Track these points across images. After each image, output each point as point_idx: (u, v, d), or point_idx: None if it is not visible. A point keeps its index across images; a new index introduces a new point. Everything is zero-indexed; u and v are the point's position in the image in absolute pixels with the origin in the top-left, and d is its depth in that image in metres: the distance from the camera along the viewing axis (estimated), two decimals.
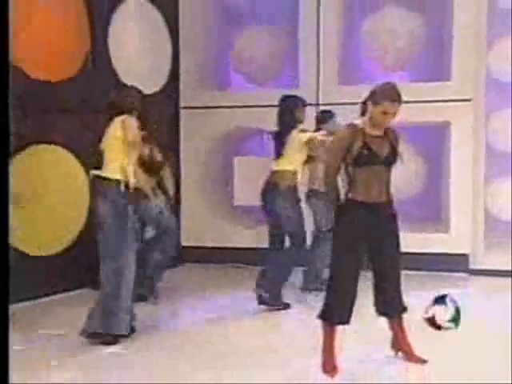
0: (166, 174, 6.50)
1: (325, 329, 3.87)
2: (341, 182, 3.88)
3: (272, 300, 5.38)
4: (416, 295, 5.02)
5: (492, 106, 7.14)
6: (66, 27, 6.22)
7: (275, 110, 5.59)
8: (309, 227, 6.15)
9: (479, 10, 6.94)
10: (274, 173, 5.45)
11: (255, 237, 7.21)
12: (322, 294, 5.26)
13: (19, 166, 5.64)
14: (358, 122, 3.81)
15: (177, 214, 7.91)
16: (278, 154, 5.44)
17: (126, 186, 4.44)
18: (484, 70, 7.01)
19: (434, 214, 7.72)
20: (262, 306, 5.40)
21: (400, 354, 4.04)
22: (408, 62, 7.54)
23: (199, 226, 7.88)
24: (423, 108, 6.93)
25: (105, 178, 4.45)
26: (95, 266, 4.58)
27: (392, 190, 3.91)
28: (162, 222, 5.67)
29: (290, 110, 5.44)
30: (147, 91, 7.30)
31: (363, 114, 3.84)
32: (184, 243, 7.96)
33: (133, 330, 4.63)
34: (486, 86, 7.01)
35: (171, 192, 7.08)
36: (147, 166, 5.36)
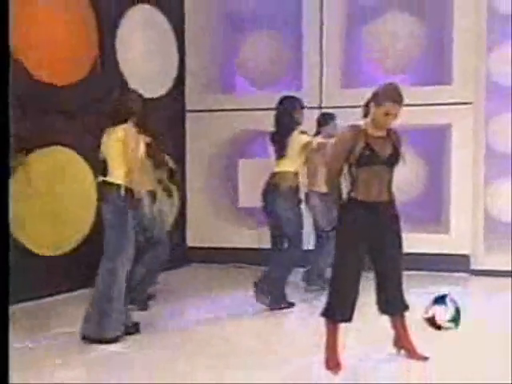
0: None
1: (328, 327, 3.86)
2: (343, 181, 3.87)
3: (273, 303, 5.33)
4: (417, 295, 5.01)
5: (492, 109, 7.13)
6: (76, 33, 6.25)
7: None
8: (310, 228, 6.18)
9: (479, 14, 6.93)
10: (275, 174, 5.39)
11: (258, 238, 7.20)
12: (324, 294, 5.31)
13: (29, 168, 5.67)
14: (361, 123, 3.80)
15: (182, 215, 7.96)
16: (279, 156, 5.38)
17: (128, 191, 4.45)
18: (484, 74, 7.01)
19: (435, 214, 7.70)
20: (264, 306, 5.37)
21: (402, 351, 4.03)
22: (409, 65, 7.54)
23: (204, 226, 7.89)
24: (425, 111, 6.93)
25: (108, 183, 4.51)
26: None
27: (394, 191, 3.90)
28: (154, 232, 5.48)
29: (288, 112, 5.36)
30: (154, 95, 7.39)
31: (366, 115, 3.84)
32: (189, 244, 7.99)
33: (137, 329, 4.65)
34: (486, 89, 7.01)
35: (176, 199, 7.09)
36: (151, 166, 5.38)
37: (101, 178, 4.59)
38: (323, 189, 5.88)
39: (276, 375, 3.79)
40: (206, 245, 7.83)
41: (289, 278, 5.55)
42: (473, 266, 7.03)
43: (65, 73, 6.08)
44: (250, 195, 7.50)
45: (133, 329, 4.64)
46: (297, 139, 5.32)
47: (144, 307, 5.38)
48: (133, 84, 6.94)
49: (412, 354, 3.97)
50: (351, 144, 3.70)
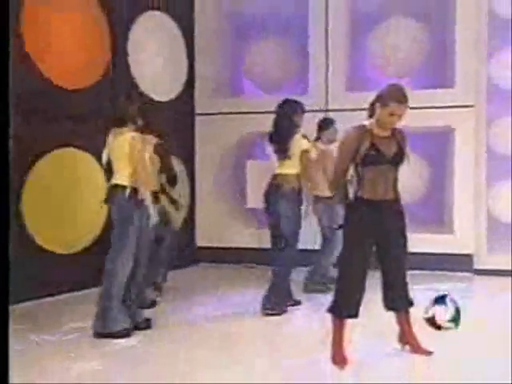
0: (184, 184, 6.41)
1: (334, 322, 3.88)
2: (349, 181, 3.89)
3: (278, 308, 5.21)
4: (421, 292, 5.02)
5: (493, 111, 7.15)
6: (90, 39, 6.33)
7: None
8: (316, 228, 6.20)
9: (481, 20, 6.96)
10: (277, 175, 5.31)
11: (266, 237, 7.21)
12: (329, 292, 5.33)
13: (44, 170, 5.73)
14: (366, 123, 3.82)
15: (191, 216, 8.00)
16: (282, 157, 5.29)
17: (133, 191, 4.47)
18: (485, 77, 7.02)
19: (439, 215, 7.70)
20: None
21: (407, 346, 4.04)
22: (413, 69, 7.56)
23: (213, 227, 7.93)
24: (428, 114, 6.94)
25: (114, 185, 4.54)
26: None
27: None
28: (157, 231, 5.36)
29: (288, 115, 5.28)
30: (164, 98, 7.46)
31: (371, 116, 3.86)
32: (198, 243, 8.03)
33: (149, 325, 4.71)
34: (488, 92, 7.02)
35: (183, 201, 7.05)
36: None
37: (111, 182, 4.60)
38: (325, 193, 5.95)
39: (287, 367, 3.82)
40: (215, 245, 7.87)
41: (293, 278, 5.53)
42: (476, 266, 7.04)
43: (79, 77, 6.15)
44: (258, 196, 7.51)
45: (144, 324, 4.69)
46: (298, 143, 5.24)
47: (150, 305, 5.38)
48: (144, 88, 7.02)
49: (416, 349, 3.98)
50: (357, 144, 3.72)
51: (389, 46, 7.39)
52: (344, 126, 6.00)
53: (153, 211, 4.74)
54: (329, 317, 3.92)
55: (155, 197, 5.20)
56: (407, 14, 7.48)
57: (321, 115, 6.72)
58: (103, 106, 6.21)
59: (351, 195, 3.86)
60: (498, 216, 7.36)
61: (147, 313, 4.94)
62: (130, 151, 4.46)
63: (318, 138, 6.16)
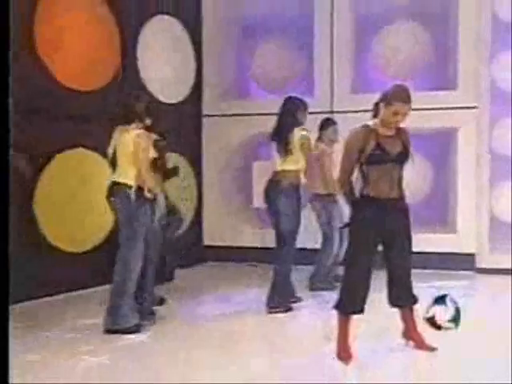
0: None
1: (340, 319, 3.88)
2: (355, 179, 3.89)
3: (282, 305, 5.20)
4: (424, 291, 5.01)
5: (496, 113, 7.13)
6: (100, 42, 6.35)
7: None
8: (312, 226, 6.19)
9: (483, 22, 6.94)
10: (277, 172, 5.25)
11: (271, 237, 7.22)
12: (330, 291, 5.33)
13: (54, 170, 5.76)
14: (371, 123, 3.82)
15: (199, 215, 8.02)
16: (282, 154, 5.22)
17: (139, 190, 4.46)
18: (488, 79, 7.01)
19: (442, 215, 7.69)
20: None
21: (410, 342, 4.04)
22: (416, 72, 7.55)
23: (220, 226, 7.94)
24: (431, 115, 6.93)
25: (117, 183, 4.51)
26: None
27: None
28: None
29: (291, 112, 5.24)
30: (172, 100, 7.48)
31: (375, 115, 3.86)
32: (205, 242, 8.04)
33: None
34: (491, 94, 7.01)
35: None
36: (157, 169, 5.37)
37: (112, 178, 4.56)
38: (323, 190, 5.96)
39: (293, 363, 3.82)
40: (222, 244, 7.88)
41: (297, 277, 5.54)
42: (478, 265, 7.02)
43: (89, 79, 6.18)
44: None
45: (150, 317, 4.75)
46: (297, 135, 5.17)
47: (159, 302, 5.39)
48: (153, 90, 7.05)
49: (420, 344, 3.98)
50: (363, 143, 3.72)
51: (393, 49, 7.38)
52: (349, 127, 6.00)
53: (158, 208, 4.75)
54: (333, 315, 3.92)
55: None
56: (411, 17, 7.48)
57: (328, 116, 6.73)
58: (113, 108, 6.23)
59: (357, 194, 3.86)
60: (500, 216, 7.34)
61: (157, 310, 4.96)
62: (134, 149, 4.44)
63: (319, 138, 6.17)
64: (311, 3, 7.61)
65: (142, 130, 4.56)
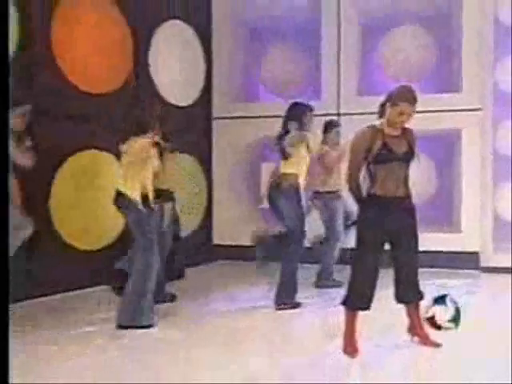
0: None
1: (347, 315, 3.89)
2: (362, 179, 3.91)
3: (290, 302, 5.22)
4: (430, 288, 5.02)
5: (499, 115, 7.13)
6: (113, 47, 6.40)
7: None
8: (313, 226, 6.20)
9: (486, 26, 6.95)
10: (278, 175, 5.27)
11: None
12: (339, 287, 5.33)
13: (68, 171, 5.81)
14: (377, 123, 3.84)
15: (209, 215, 8.05)
16: (284, 157, 5.24)
17: (145, 198, 4.50)
18: (491, 82, 7.01)
19: (447, 215, 7.69)
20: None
21: (416, 338, 4.03)
22: (421, 74, 7.56)
23: (229, 225, 7.97)
24: (436, 117, 6.94)
25: (123, 193, 4.49)
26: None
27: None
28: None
29: (296, 118, 5.24)
30: (183, 103, 7.52)
31: (381, 116, 3.87)
32: (215, 241, 8.08)
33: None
34: (494, 97, 7.02)
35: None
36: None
37: (118, 186, 4.55)
38: (324, 188, 6.00)
39: (299, 359, 3.84)
40: (231, 243, 7.91)
41: (303, 274, 5.53)
42: (482, 264, 7.02)
43: (103, 82, 6.23)
44: None
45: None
46: (295, 138, 5.18)
47: (170, 299, 5.42)
48: (164, 93, 7.10)
49: (425, 340, 3.98)
50: (370, 143, 3.73)
51: (398, 52, 7.40)
52: (355, 129, 6.01)
53: (165, 212, 4.78)
54: (340, 311, 3.93)
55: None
56: (416, 21, 7.48)
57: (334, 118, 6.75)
58: (126, 110, 6.28)
59: (364, 193, 3.87)
60: (504, 215, 7.33)
61: (167, 307, 4.99)
62: (141, 158, 4.47)
63: (323, 141, 6.19)
64: (318, 7, 7.63)
65: (148, 140, 4.54)
